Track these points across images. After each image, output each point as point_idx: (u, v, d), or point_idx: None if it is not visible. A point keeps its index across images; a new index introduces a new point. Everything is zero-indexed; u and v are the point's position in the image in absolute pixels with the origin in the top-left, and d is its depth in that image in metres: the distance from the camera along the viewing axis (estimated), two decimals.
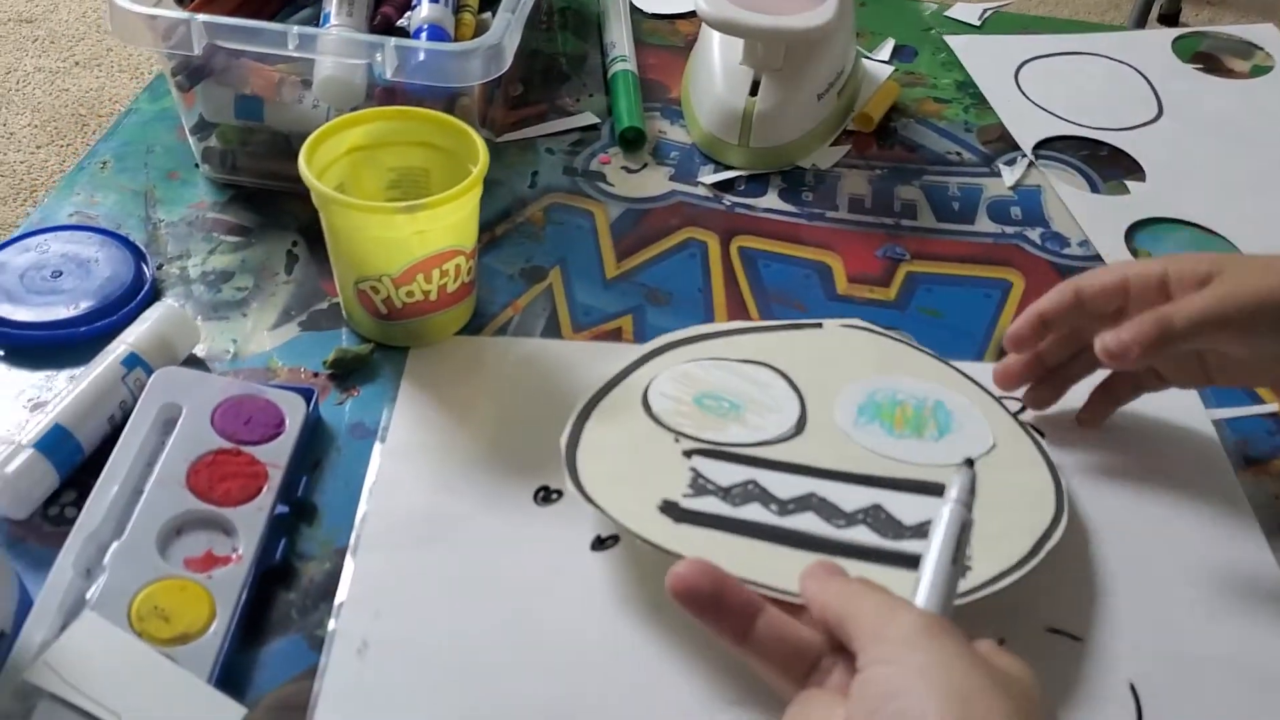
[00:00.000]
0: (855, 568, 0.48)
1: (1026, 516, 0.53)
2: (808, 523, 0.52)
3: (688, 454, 0.54)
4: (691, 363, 0.59)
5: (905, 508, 0.52)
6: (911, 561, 0.48)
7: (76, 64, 1.91)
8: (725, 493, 0.52)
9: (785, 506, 0.52)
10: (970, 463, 0.44)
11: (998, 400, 0.59)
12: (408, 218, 0.54)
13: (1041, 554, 0.51)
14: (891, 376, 0.59)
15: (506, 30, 0.62)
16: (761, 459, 0.55)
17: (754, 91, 0.73)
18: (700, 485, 0.53)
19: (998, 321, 0.65)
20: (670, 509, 0.51)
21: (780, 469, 0.54)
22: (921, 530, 0.51)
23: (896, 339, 0.62)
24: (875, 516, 0.52)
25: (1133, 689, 0.48)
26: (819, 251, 0.68)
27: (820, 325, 0.62)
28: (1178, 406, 0.60)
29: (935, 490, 0.53)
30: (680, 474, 0.53)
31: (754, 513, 0.52)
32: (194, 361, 0.58)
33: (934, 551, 0.42)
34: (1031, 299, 0.65)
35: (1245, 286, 0.51)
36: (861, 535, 0.51)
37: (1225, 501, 0.56)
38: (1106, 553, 0.53)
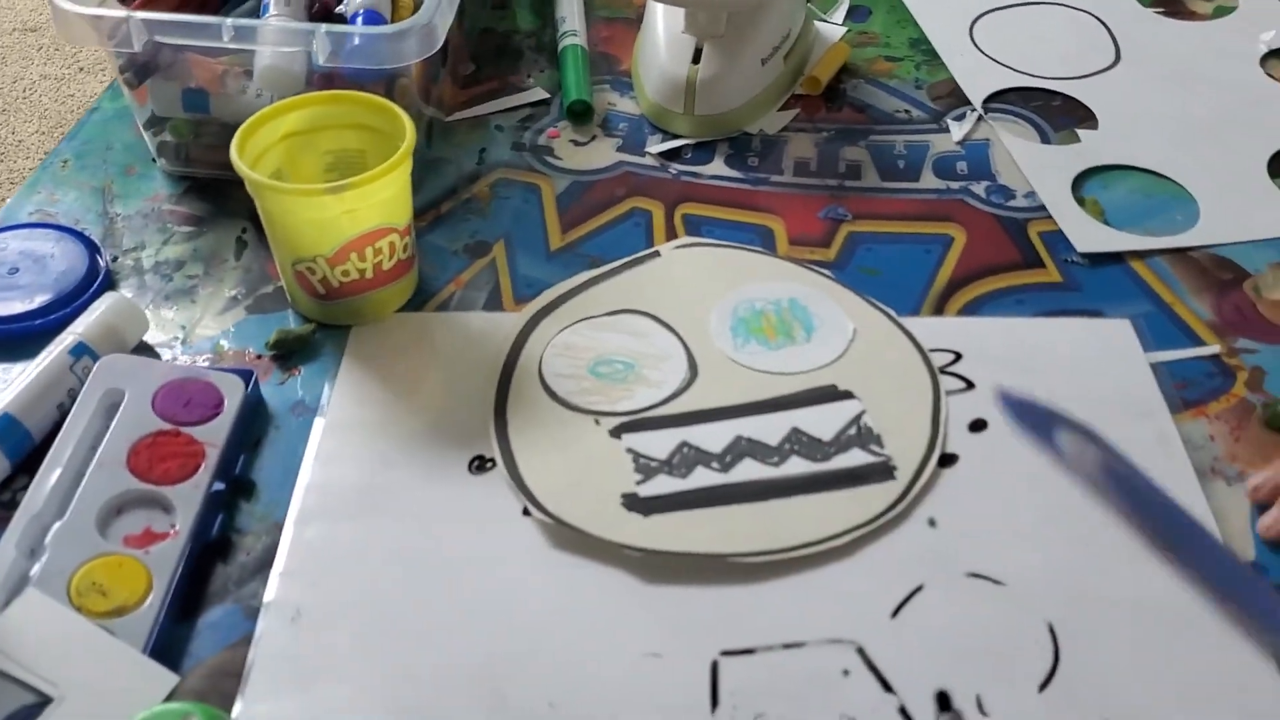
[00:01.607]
0: (800, 502, 0.53)
1: (914, 392, 0.58)
2: (748, 470, 0.54)
3: (615, 434, 0.56)
4: (565, 330, 0.61)
5: (816, 422, 0.57)
6: (843, 479, 0.54)
7: (81, 70, 1.94)
8: (669, 465, 0.54)
9: (724, 460, 0.55)
10: None
11: (837, 281, 0.64)
12: (335, 198, 0.55)
13: (942, 425, 0.56)
14: (741, 287, 0.64)
15: (437, 9, 0.63)
16: (679, 415, 0.57)
17: (696, 59, 0.73)
18: (644, 466, 0.54)
19: (935, 277, 0.65)
20: (634, 503, 0.53)
21: (700, 420, 0.56)
22: (839, 442, 0.56)
23: (728, 245, 0.66)
24: (799, 441, 0.56)
25: (1051, 630, 0.49)
26: (762, 215, 0.69)
27: (659, 254, 0.66)
28: (1114, 347, 0.61)
29: (831, 396, 0.58)
30: (620, 459, 0.55)
31: (702, 477, 0.54)
32: (145, 348, 0.60)
33: None
34: (973, 253, 0.67)
35: None
36: (796, 466, 0.55)
37: (1159, 443, 0.56)
38: (1029, 497, 0.54)
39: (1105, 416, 0.57)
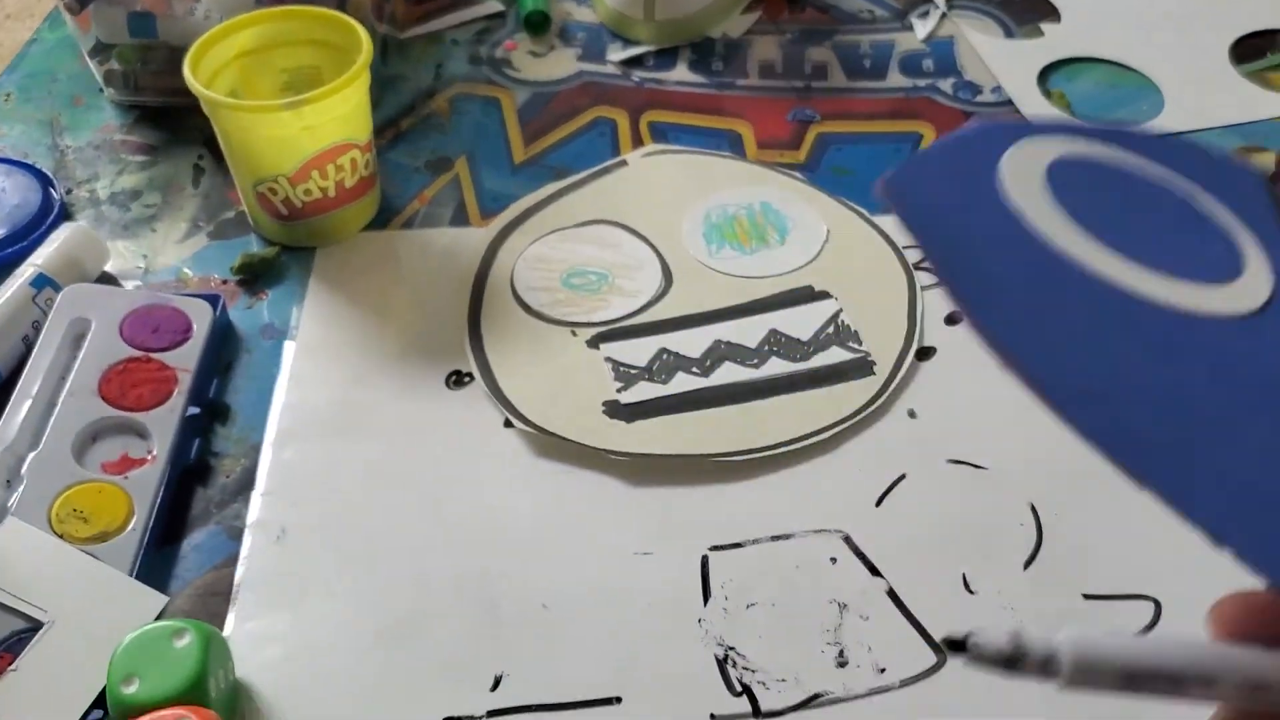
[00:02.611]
0: (781, 401, 0.53)
1: (890, 289, 0.58)
2: (729, 373, 0.54)
3: (592, 344, 0.55)
4: (536, 243, 0.60)
5: (793, 322, 0.57)
6: (823, 377, 0.54)
7: (8, 17, 1.88)
8: (649, 372, 0.54)
9: (704, 364, 0.54)
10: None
11: (808, 183, 0.64)
12: (294, 114, 0.54)
13: (919, 320, 0.57)
14: (712, 193, 0.63)
15: None
16: (657, 323, 0.56)
17: None
18: (624, 374, 0.54)
19: None
20: (616, 410, 0.52)
21: (677, 326, 0.56)
22: (817, 341, 0.56)
23: (696, 151, 0.66)
24: (778, 342, 0.56)
25: (1033, 509, 0.49)
26: (729, 120, 0.68)
27: (626, 162, 0.65)
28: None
29: (807, 297, 0.58)
30: (599, 368, 0.54)
31: (682, 382, 0.54)
32: (106, 279, 0.58)
33: None
34: None
35: None
36: (776, 367, 0.55)
37: None
38: (1005, 386, 0.54)
39: None
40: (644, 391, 0.53)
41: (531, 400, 0.53)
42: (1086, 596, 0.46)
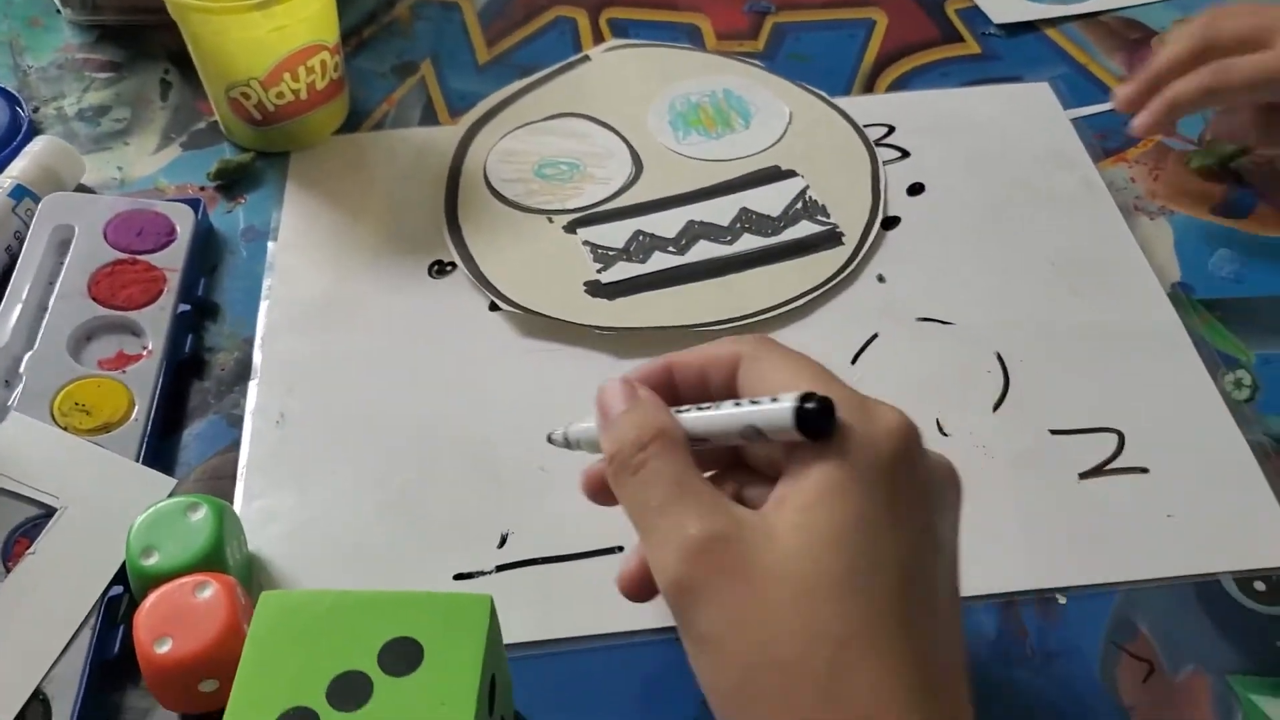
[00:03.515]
0: (756, 274, 0.55)
1: (853, 165, 0.60)
2: (704, 250, 0.56)
3: (569, 229, 0.57)
4: (505, 137, 0.61)
5: (763, 200, 0.59)
6: (794, 249, 0.57)
7: None
8: (627, 253, 0.56)
9: (679, 243, 0.56)
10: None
11: (768, 70, 0.66)
12: (264, 14, 0.54)
13: (882, 192, 0.59)
14: (675, 84, 0.65)
15: None
16: (631, 207, 0.58)
17: None
18: (603, 255, 0.56)
19: (862, 58, 0.67)
20: (597, 289, 0.54)
21: (651, 209, 0.58)
22: (787, 216, 0.58)
23: (656, 45, 0.67)
24: (749, 219, 0.57)
25: (999, 357, 0.52)
26: (686, 14, 0.69)
27: (588, 58, 0.67)
28: (1036, 108, 0.63)
29: (775, 176, 0.60)
30: (577, 252, 0.56)
31: (660, 261, 0.56)
32: (83, 190, 0.59)
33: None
34: (895, 33, 0.68)
35: None
36: (749, 243, 0.57)
37: (1084, 188, 0.59)
38: (966, 248, 0.57)
39: (1033, 169, 0.60)
40: (623, 271, 0.55)
41: (515, 284, 0.54)
42: (1053, 432, 0.49)
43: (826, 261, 0.56)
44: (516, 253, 0.56)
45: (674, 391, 0.36)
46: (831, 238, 0.57)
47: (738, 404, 0.33)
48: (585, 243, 0.56)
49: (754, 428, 0.32)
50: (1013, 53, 0.67)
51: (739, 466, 0.36)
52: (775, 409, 0.31)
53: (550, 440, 0.41)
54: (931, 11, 0.69)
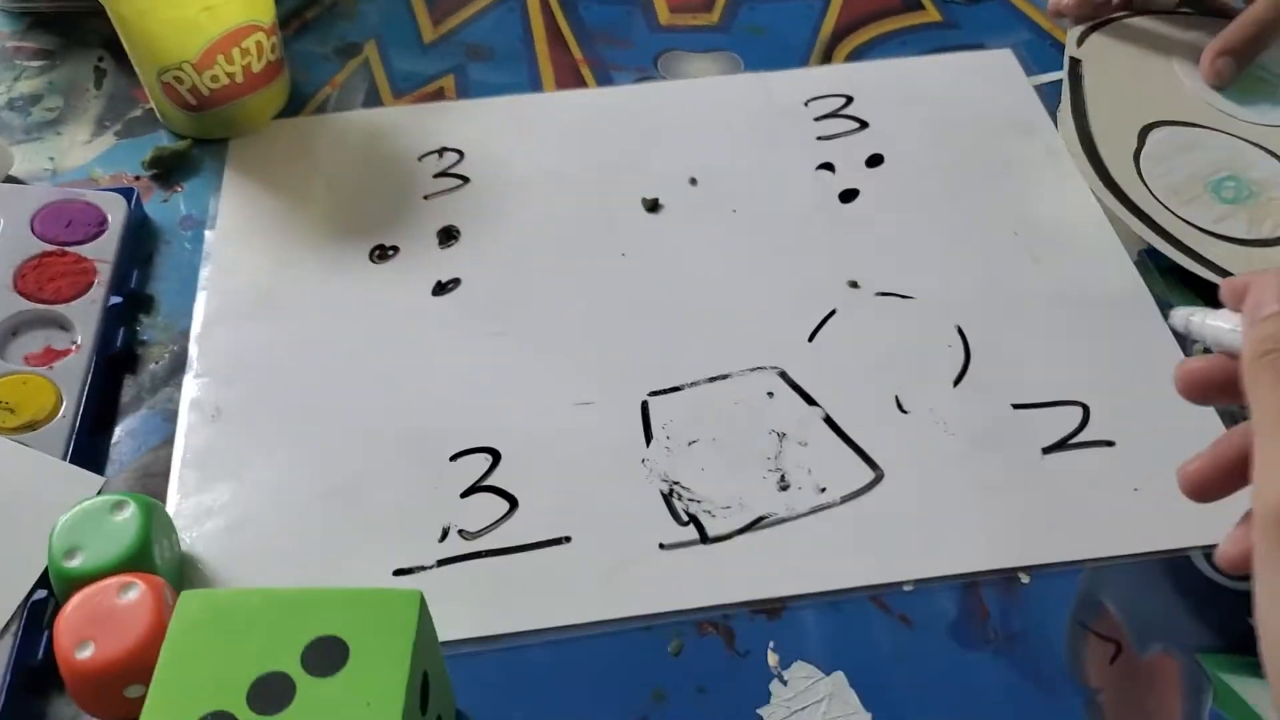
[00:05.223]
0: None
1: None
2: None
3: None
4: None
5: None
6: None
7: None
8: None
9: None
10: None
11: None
12: None
13: None
14: None
15: None
16: None
17: None
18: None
19: (820, 28, 0.65)
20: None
21: None
22: None
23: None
24: None
25: (960, 331, 0.50)
26: None
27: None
28: (998, 74, 0.62)
29: None
30: None
31: None
32: (12, 181, 0.57)
33: None
34: (854, 4, 0.66)
35: None
36: None
37: (1047, 156, 0.58)
38: (925, 221, 0.55)
39: (996, 137, 0.59)
40: None
41: None
42: (1015, 406, 0.47)
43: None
44: None
45: None
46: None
47: None
48: None
49: None
50: (974, 20, 0.65)
51: None
52: None
53: (1169, 321, 0.40)
54: None
